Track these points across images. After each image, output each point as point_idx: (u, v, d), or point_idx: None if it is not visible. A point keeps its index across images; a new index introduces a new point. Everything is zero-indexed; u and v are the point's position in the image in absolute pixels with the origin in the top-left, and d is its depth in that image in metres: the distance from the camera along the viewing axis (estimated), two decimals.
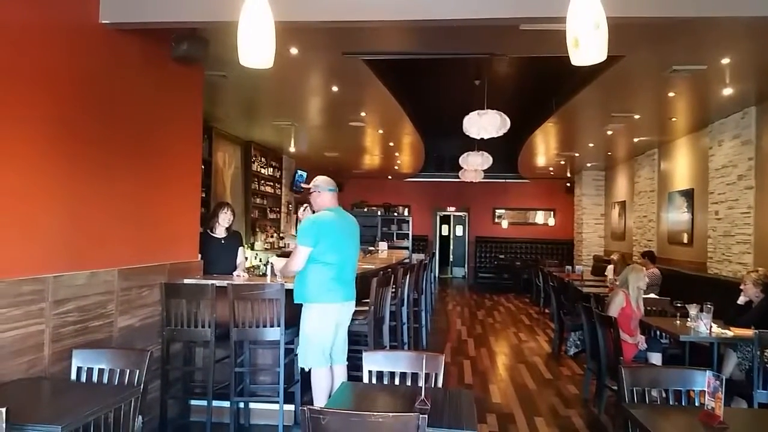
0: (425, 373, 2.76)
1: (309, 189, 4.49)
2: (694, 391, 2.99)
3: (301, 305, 4.28)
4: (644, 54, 5.69)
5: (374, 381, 3.11)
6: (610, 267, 9.30)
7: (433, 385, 2.99)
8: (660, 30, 4.95)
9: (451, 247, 19.95)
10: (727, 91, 6.83)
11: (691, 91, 7.21)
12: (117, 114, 4.03)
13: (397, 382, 3.11)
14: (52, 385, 3.18)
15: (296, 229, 12.94)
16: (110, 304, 3.92)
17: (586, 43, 2.38)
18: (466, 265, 18.88)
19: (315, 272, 4.19)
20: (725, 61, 5.77)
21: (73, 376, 3.16)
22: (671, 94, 7.30)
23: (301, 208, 4.62)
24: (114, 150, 3.99)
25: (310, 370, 4.21)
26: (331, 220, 4.30)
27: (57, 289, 3.40)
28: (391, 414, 2.06)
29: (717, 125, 8.61)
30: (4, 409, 2.11)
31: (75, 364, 3.18)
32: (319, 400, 4.15)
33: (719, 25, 4.79)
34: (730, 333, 4.76)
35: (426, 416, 2.01)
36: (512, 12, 3.73)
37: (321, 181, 4.46)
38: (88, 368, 3.16)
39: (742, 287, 5.35)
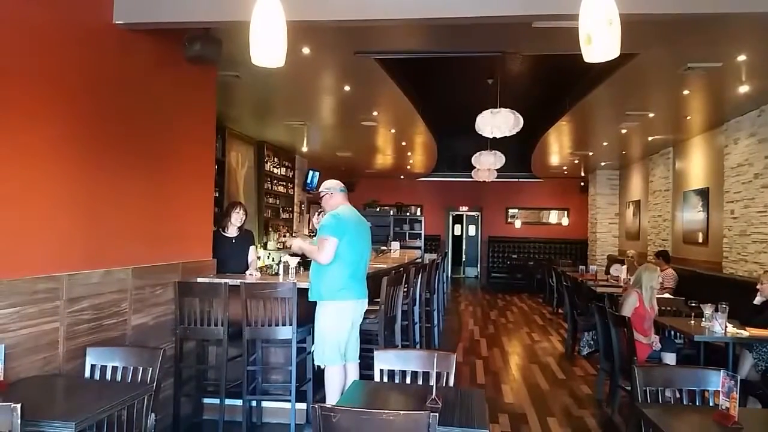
0: (436, 372, 2.76)
1: (320, 192, 4.54)
2: (708, 391, 2.96)
3: (313, 304, 4.31)
4: (658, 51, 5.64)
5: (385, 380, 3.11)
6: (615, 266, 9.29)
7: (444, 384, 2.99)
8: (674, 27, 4.90)
9: (464, 246, 19.90)
10: (743, 89, 6.75)
11: (706, 89, 7.13)
12: (131, 114, 4.06)
13: (408, 381, 3.11)
14: (66, 382, 3.21)
15: (309, 229, 12.96)
16: (124, 303, 3.95)
17: (599, 40, 2.36)
18: (478, 265, 18.83)
19: (332, 270, 4.22)
20: (741, 58, 5.70)
21: (87, 374, 3.18)
22: (686, 92, 7.22)
23: (316, 215, 4.66)
24: (128, 150, 4.02)
25: (323, 368, 4.23)
26: (350, 216, 4.38)
27: (71, 287, 3.43)
28: (402, 412, 2.05)
29: (733, 123, 8.52)
30: (18, 406, 2.13)
31: (89, 361, 3.20)
32: (332, 397, 4.17)
33: (734, 22, 4.73)
34: (745, 333, 4.70)
35: (437, 415, 2.00)
36: (525, 9, 3.72)
37: (331, 183, 4.54)
38: (101, 366, 3.18)
39: (758, 287, 5.29)
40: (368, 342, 4.75)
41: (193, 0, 3.95)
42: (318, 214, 4.60)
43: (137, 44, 4.10)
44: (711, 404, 2.87)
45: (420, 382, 3.08)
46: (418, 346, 6.29)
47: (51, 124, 3.31)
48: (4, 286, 2.95)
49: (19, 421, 2.12)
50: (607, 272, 10.94)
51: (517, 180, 16.75)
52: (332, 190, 4.49)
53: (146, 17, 3.91)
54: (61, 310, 3.35)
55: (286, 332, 4.33)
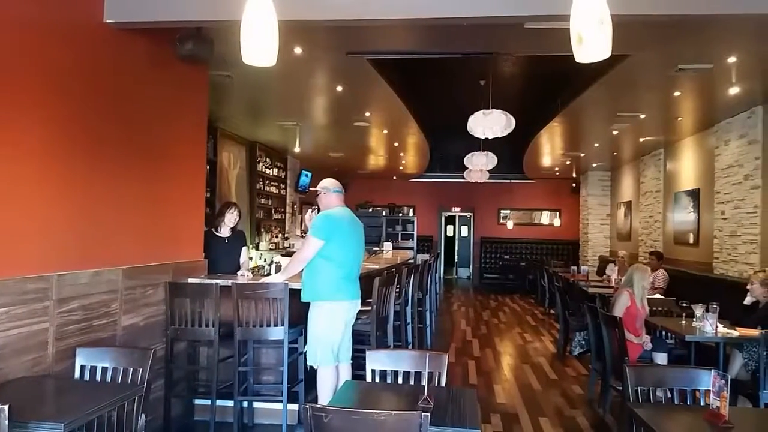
0: (428, 373, 2.75)
1: (317, 191, 4.53)
2: (699, 390, 2.97)
3: (305, 304, 4.29)
4: (650, 53, 5.66)
5: (377, 380, 3.10)
6: (610, 265, 9.33)
7: (436, 384, 2.98)
8: (666, 28, 4.92)
9: (456, 247, 19.93)
10: (734, 90, 6.79)
11: (697, 91, 7.17)
12: (122, 113, 4.03)
13: (400, 381, 3.10)
14: (55, 383, 3.18)
15: (302, 230, 12.94)
16: (114, 303, 3.93)
17: (590, 40, 2.36)
18: (471, 266, 18.84)
19: (326, 271, 4.22)
20: (732, 59, 5.73)
21: (77, 375, 3.16)
22: (677, 94, 7.26)
23: (308, 212, 4.64)
24: (118, 149, 3.99)
25: (316, 368, 4.22)
26: (342, 217, 4.38)
27: (61, 287, 3.40)
28: (393, 412, 2.05)
29: (723, 125, 8.56)
30: (6, 407, 2.11)
31: (78, 362, 3.18)
32: (325, 398, 4.16)
33: (726, 24, 4.76)
34: (736, 333, 4.73)
35: (428, 415, 2.00)
36: (517, 10, 3.73)
37: (328, 182, 4.53)
38: (91, 367, 3.16)
39: (748, 287, 5.32)
40: (360, 342, 4.74)
41: None
42: (311, 212, 4.59)
43: (128, 43, 4.08)
44: (702, 404, 2.88)
45: (412, 382, 3.08)
46: (410, 347, 6.29)
47: (41, 122, 3.29)
48: None
49: (6, 422, 2.10)
50: (601, 273, 11.00)
51: (509, 181, 16.78)
52: (326, 189, 4.48)
53: (137, 16, 3.89)
54: (50, 311, 3.32)
55: (278, 333, 4.32)
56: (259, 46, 2.67)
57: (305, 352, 4.33)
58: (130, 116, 4.13)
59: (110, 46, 3.89)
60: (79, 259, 3.59)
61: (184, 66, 4.68)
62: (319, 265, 4.24)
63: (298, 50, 5.56)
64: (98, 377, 3.14)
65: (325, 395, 4.18)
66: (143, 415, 2.96)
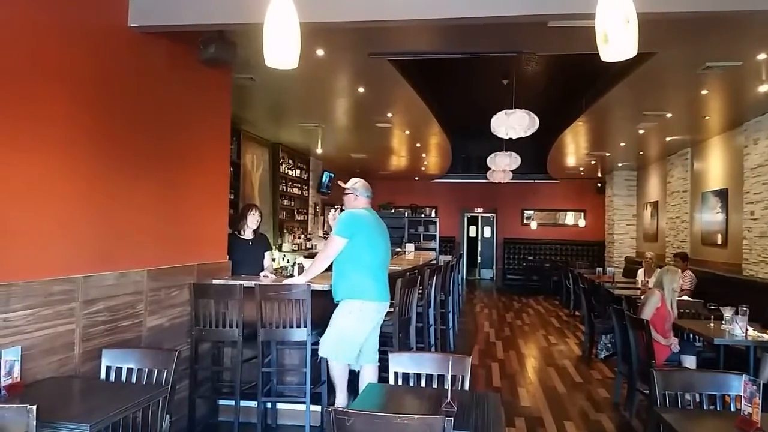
0: (451, 376, 2.73)
1: (346, 190, 4.52)
2: (729, 396, 2.90)
3: (328, 306, 4.30)
4: (676, 51, 5.57)
5: (400, 383, 3.09)
6: (641, 270, 9.20)
7: (459, 388, 2.96)
8: (693, 26, 4.84)
9: (479, 248, 19.82)
10: (764, 88, 6.65)
11: (725, 89, 7.04)
12: (146, 116, 4.07)
13: (423, 384, 3.08)
14: (81, 383, 3.22)
15: (324, 231, 12.98)
16: (139, 304, 3.97)
17: (616, 38, 2.32)
18: (494, 267, 18.72)
19: (355, 272, 4.25)
20: (761, 56, 5.62)
21: (103, 376, 3.20)
22: (704, 92, 7.13)
23: (332, 211, 4.64)
24: (144, 152, 4.03)
25: (328, 360, 4.27)
26: (367, 217, 4.39)
27: (87, 289, 3.44)
28: (416, 416, 2.03)
29: (752, 123, 8.39)
30: (35, 407, 2.14)
31: (104, 363, 3.22)
32: (340, 388, 4.24)
33: (755, 20, 4.65)
34: (767, 336, 4.63)
35: (452, 419, 1.98)
36: (540, 9, 3.68)
37: (360, 185, 4.52)
38: (117, 368, 3.20)
39: None
40: (383, 344, 4.73)
41: (207, 2, 3.95)
42: (335, 211, 4.59)
43: (152, 47, 4.12)
44: (732, 409, 2.82)
45: (435, 385, 3.06)
46: (433, 349, 6.26)
47: (64, 127, 3.33)
48: (20, 288, 2.97)
49: (35, 422, 2.13)
50: (627, 275, 10.86)
51: (532, 181, 16.68)
52: (358, 192, 4.47)
53: (161, 20, 3.93)
54: (76, 312, 3.37)
55: (301, 334, 4.32)
56: (281, 48, 2.67)
57: (320, 342, 4.30)
58: (154, 119, 4.18)
59: (134, 50, 3.94)
60: (104, 261, 3.63)
61: (208, 69, 4.72)
62: (348, 267, 4.27)
63: (320, 52, 5.58)
64: (123, 378, 3.17)
65: (339, 384, 4.25)
66: (168, 415, 2.98)
